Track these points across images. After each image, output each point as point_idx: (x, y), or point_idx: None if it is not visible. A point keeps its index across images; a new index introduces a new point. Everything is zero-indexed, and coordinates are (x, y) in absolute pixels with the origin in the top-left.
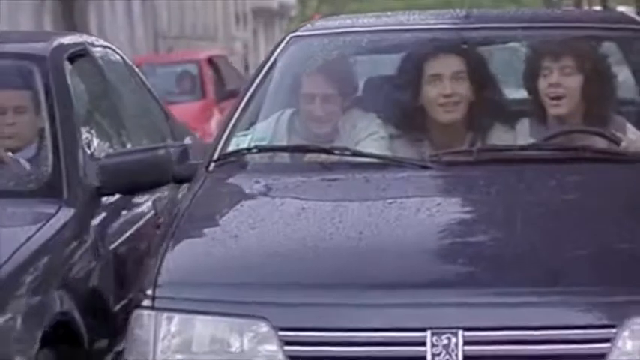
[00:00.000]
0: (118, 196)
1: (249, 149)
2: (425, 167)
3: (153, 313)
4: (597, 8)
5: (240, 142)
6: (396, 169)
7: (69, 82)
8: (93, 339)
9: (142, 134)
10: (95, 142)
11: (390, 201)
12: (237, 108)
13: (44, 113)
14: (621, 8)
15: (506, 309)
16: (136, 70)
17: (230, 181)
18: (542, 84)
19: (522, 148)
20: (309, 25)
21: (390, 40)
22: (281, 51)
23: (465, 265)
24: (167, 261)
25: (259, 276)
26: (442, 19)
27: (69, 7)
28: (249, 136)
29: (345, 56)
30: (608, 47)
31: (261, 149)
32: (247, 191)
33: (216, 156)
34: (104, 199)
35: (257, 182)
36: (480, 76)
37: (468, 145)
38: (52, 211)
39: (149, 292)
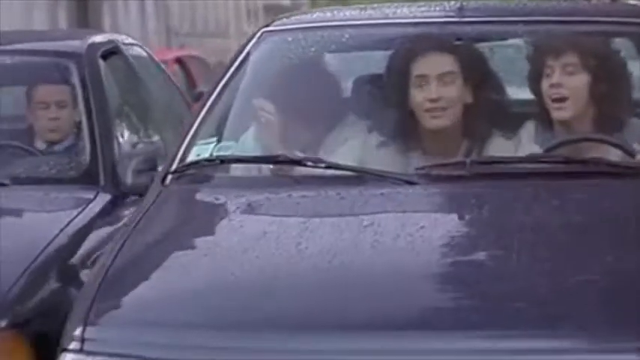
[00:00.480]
0: None
1: (210, 160)
2: (409, 182)
3: (82, 357)
4: (608, 0)
5: (203, 151)
6: (377, 184)
7: (103, 77)
8: None
9: (169, 128)
10: (126, 134)
11: (366, 223)
12: (200, 112)
13: (81, 107)
14: (633, 1)
15: (501, 356)
16: (162, 66)
17: (186, 197)
18: (545, 85)
19: (521, 160)
20: (284, 19)
21: (373, 36)
22: (252, 48)
23: (451, 303)
24: (101, 296)
25: (205, 317)
26: (432, 12)
27: (83, 5)
28: (213, 145)
29: (322, 54)
30: (622, 43)
31: (223, 160)
32: (203, 210)
33: (173, 167)
34: None
35: (216, 199)
36: (477, 76)
37: (462, 155)
38: (91, 196)
39: (77, 332)
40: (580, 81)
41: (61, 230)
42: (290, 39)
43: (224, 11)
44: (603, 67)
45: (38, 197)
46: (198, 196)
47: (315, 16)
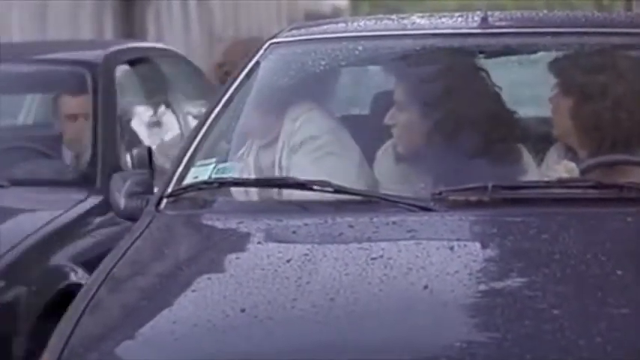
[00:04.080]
0: None
1: (208, 182)
2: (425, 208)
3: None
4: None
5: (201, 173)
6: (389, 211)
7: (116, 86)
8: None
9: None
10: (145, 137)
11: (374, 255)
12: (199, 129)
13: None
14: None
15: None
16: (200, 72)
17: (180, 224)
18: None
19: (548, 185)
20: (293, 30)
21: (387, 49)
22: (257, 61)
23: (465, 346)
24: (84, 322)
25: (188, 355)
26: (454, 23)
27: (129, 11)
28: (212, 166)
29: (333, 67)
30: None
31: (222, 182)
32: (198, 240)
33: (169, 190)
34: None
35: (212, 227)
36: (494, 93)
37: (481, 179)
38: (82, 197)
39: (55, 356)
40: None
41: (40, 228)
42: (299, 51)
43: (266, 17)
44: (631, 85)
45: (29, 197)
46: (194, 223)
47: (326, 27)
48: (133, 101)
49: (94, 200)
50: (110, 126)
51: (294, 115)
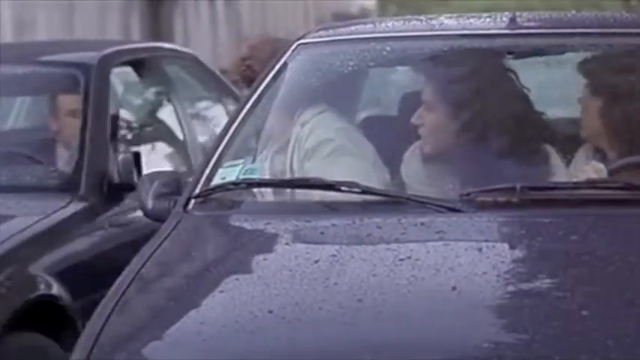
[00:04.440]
0: None
1: (235, 183)
2: (453, 209)
3: None
4: None
5: (229, 173)
6: (416, 211)
7: (109, 87)
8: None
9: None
10: (137, 141)
11: (402, 256)
12: (227, 131)
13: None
14: None
15: None
16: (211, 73)
17: (208, 224)
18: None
19: (577, 185)
20: (321, 31)
21: (416, 50)
22: (285, 62)
23: (492, 347)
24: (112, 321)
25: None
26: (482, 24)
27: (156, 10)
28: (240, 167)
29: (361, 68)
30: None
31: (250, 183)
32: (225, 240)
33: (197, 191)
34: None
35: (240, 228)
36: (522, 93)
37: (509, 180)
38: (64, 204)
39: (83, 355)
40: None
41: (14, 234)
42: (327, 52)
43: (293, 18)
44: None
45: (6, 204)
46: (222, 224)
47: (354, 27)
48: (129, 103)
49: (75, 207)
50: (100, 131)
51: (303, 120)
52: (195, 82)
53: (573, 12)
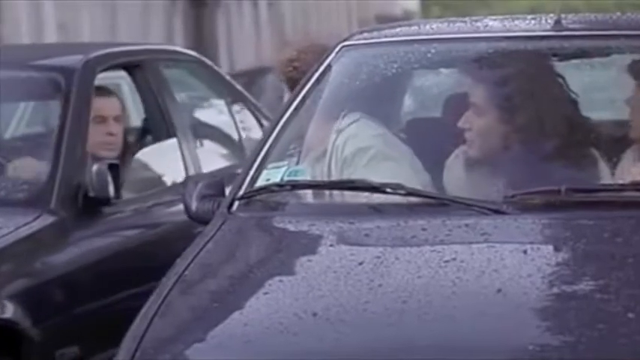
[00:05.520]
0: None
1: (279, 185)
2: (498, 211)
3: None
4: None
5: (273, 175)
6: (461, 213)
7: (92, 92)
8: (51, 350)
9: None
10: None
11: (447, 258)
12: (271, 132)
13: (55, 124)
14: None
15: None
16: (218, 75)
17: (253, 226)
18: None
19: (623, 187)
20: (365, 33)
21: (460, 52)
22: (330, 63)
23: (538, 350)
24: (157, 322)
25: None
26: (527, 26)
27: (199, 12)
28: (284, 169)
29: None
30: None
31: (295, 185)
32: (269, 242)
33: (241, 193)
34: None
35: (284, 230)
36: (568, 96)
37: (554, 182)
38: (29, 219)
39: (127, 356)
40: None
41: None
42: (371, 54)
43: (336, 20)
44: None
45: None
46: (266, 226)
47: (399, 29)
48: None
49: (43, 222)
50: (77, 140)
51: (339, 127)
52: (200, 85)
53: (618, 14)
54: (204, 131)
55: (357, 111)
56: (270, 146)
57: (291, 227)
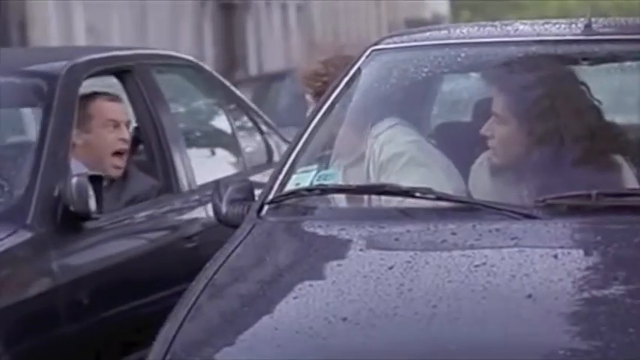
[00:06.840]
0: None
1: (309, 189)
2: (529, 216)
3: None
4: None
5: (303, 179)
6: (491, 218)
7: (76, 99)
8: None
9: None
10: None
11: (477, 262)
12: (301, 136)
13: (36, 133)
14: None
15: None
16: (216, 81)
17: (282, 230)
18: None
19: None
20: (395, 37)
21: (491, 56)
22: (360, 67)
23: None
24: (187, 326)
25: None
26: (558, 30)
27: (229, 17)
28: (314, 173)
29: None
30: None
31: (324, 189)
32: (299, 246)
33: (270, 197)
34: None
35: (313, 234)
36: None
37: (585, 187)
38: (3, 235)
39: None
40: None
41: None
42: (401, 58)
43: (365, 24)
44: None
45: None
46: (295, 230)
47: (428, 34)
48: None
49: (17, 239)
50: (58, 150)
51: (376, 132)
52: (196, 91)
53: None
54: (199, 139)
55: (392, 116)
56: (300, 150)
57: (320, 231)
